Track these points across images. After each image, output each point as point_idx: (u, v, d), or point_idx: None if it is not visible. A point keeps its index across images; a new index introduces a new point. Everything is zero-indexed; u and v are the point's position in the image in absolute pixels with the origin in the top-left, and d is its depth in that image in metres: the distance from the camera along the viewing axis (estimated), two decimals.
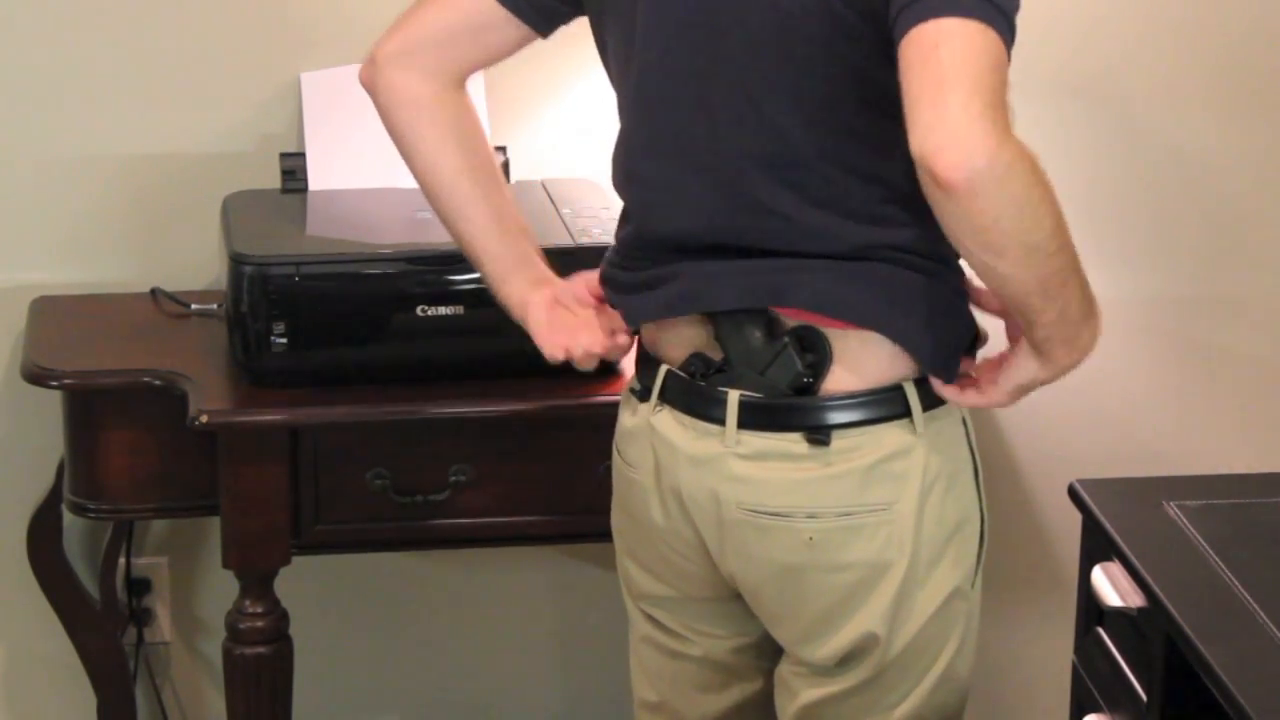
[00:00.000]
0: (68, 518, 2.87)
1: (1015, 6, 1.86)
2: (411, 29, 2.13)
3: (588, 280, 2.20)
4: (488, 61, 2.17)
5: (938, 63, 1.79)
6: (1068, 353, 2.00)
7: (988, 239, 1.84)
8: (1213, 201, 3.01)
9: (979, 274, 1.92)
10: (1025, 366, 2.02)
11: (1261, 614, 2.02)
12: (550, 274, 2.23)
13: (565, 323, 2.19)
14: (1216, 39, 2.94)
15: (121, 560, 2.99)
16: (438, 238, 2.69)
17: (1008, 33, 1.84)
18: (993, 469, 2.97)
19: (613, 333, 2.18)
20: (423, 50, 2.12)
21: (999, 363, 2.06)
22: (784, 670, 2.15)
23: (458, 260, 2.58)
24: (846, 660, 2.08)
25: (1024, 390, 2.05)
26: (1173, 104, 2.96)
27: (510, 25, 2.12)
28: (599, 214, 2.69)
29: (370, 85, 2.15)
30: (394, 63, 2.13)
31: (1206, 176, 2.99)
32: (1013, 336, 2.06)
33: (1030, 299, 1.92)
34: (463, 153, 2.16)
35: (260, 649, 2.63)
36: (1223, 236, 3.02)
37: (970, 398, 2.06)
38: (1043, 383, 2.04)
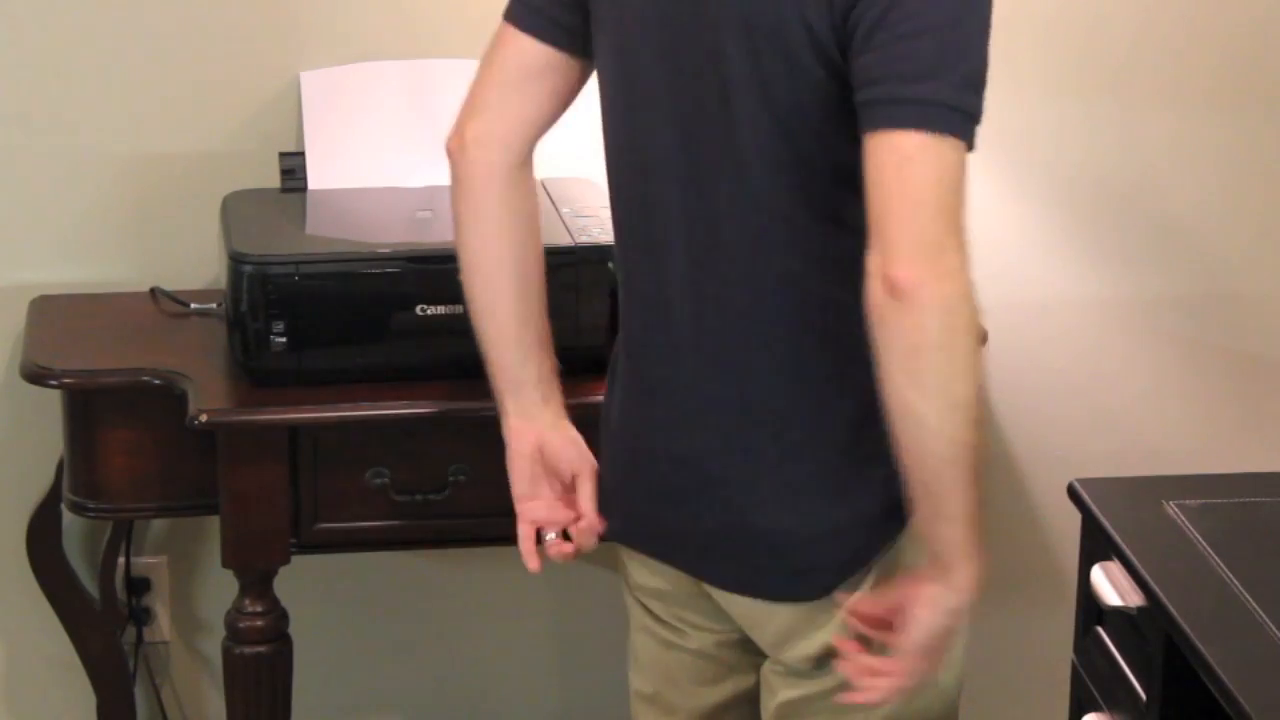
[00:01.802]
0: (67, 517, 2.87)
1: (981, 109, 1.87)
2: (486, 101, 2.12)
3: (571, 459, 2.18)
4: (562, 108, 2.15)
5: (910, 180, 1.82)
6: (965, 572, 1.91)
7: (918, 364, 1.82)
8: (1213, 201, 3.01)
9: (899, 425, 1.85)
10: (931, 597, 1.91)
11: (1261, 614, 2.02)
12: (542, 412, 2.18)
13: (541, 493, 2.19)
14: (1219, 38, 2.94)
15: (121, 559, 2.99)
16: (437, 237, 2.70)
17: (972, 140, 1.86)
18: (993, 469, 2.97)
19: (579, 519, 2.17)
20: (503, 121, 2.12)
21: (897, 618, 1.94)
22: (765, 668, 2.16)
23: (457, 260, 2.59)
24: (820, 663, 2.08)
25: (934, 646, 1.95)
26: (1173, 103, 2.96)
27: (561, 61, 2.11)
28: (598, 213, 2.69)
29: (455, 157, 2.14)
30: (480, 144, 2.12)
31: (1207, 176, 3.00)
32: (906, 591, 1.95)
33: (945, 468, 1.86)
34: (513, 250, 2.16)
35: (260, 648, 2.63)
36: (1223, 236, 3.02)
37: (881, 686, 1.96)
38: (942, 626, 1.93)
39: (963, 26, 1.86)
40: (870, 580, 2.03)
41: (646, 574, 2.19)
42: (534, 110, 2.12)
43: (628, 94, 2.04)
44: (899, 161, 1.83)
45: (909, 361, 1.83)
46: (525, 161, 2.15)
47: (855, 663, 1.97)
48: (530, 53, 2.10)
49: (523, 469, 2.18)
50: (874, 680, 1.96)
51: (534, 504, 2.18)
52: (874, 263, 1.83)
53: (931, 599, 1.93)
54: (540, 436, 2.18)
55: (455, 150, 2.13)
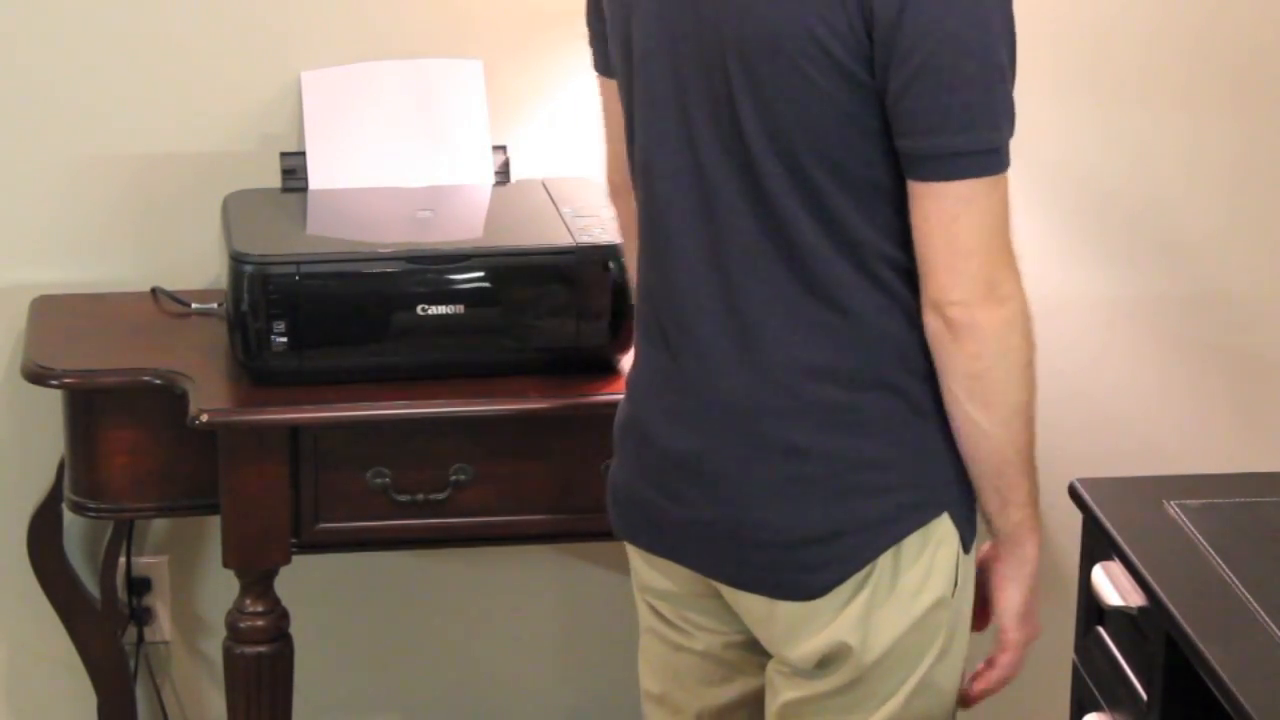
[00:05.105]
0: (68, 517, 2.87)
1: (1012, 128, 1.94)
2: (613, 159, 2.24)
3: None
4: None
5: (955, 232, 1.92)
6: (1032, 543, 2.08)
7: (978, 385, 1.97)
8: (1214, 201, 3.01)
9: (963, 435, 2.01)
10: (1008, 574, 2.09)
11: (1261, 614, 2.02)
12: None
13: None
14: (1226, 41, 2.94)
15: (122, 559, 2.99)
16: (438, 237, 2.71)
17: (1008, 161, 1.93)
18: None
19: None
20: (627, 173, 2.20)
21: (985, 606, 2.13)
22: (770, 668, 2.16)
23: (458, 260, 2.59)
24: (823, 664, 2.08)
25: (1027, 611, 2.11)
26: (1175, 104, 2.96)
27: None
28: (598, 213, 2.69)
29: (612, 202, 2.30)
30: (619, 195, 2.25)
31: (1208, 176, 2.99)
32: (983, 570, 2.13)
33: (1008, 466, 2.02)
34: None
35: (260, 648, 2.63)
36: (1225, 236, 3.02)
37: (995, 676, 2.14)
38: (1025, 593, 2.10)
39: (995, 57, 1.92)
40: (872, 581, 2.04)
41: (654, 575, 2.19)
42: None
43: (638, 109, 2.06)
44: (949, 212, 1.92)
45: (969, 382, 1.98)
46: None
47: (985, 680, 2.14)
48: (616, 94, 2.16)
49: None
50: (997, 672, 2.14)
51: None
52: (926, 296, 1.96)
53: (1009, 576, 2.10)
54: None
55: (611, 197, 2.29)
